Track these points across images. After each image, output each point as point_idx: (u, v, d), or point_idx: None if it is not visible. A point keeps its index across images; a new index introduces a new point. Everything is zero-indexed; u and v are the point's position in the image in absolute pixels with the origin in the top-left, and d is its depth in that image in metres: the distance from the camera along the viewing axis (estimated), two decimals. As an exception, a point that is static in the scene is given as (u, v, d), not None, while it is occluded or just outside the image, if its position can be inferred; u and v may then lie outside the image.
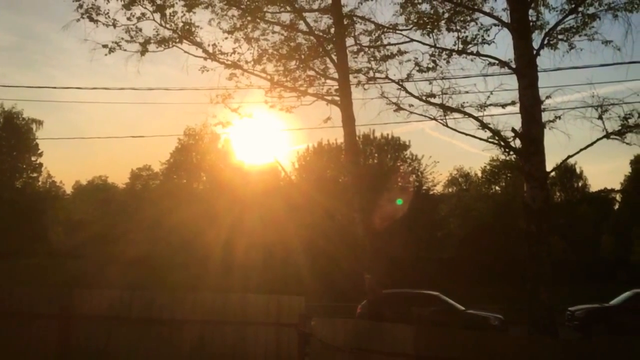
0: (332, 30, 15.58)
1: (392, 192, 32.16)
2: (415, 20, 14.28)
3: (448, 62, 14.14)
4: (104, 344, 8.97)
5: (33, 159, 46.09)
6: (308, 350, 8.39)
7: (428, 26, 13.95)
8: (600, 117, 11.80)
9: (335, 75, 15.52)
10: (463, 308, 19.47)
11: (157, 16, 14.96)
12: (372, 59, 15.58)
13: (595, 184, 70.12)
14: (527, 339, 7.84)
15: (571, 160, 41.10)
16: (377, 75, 15.32)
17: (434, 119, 13.26)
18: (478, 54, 13.45)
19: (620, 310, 18.94)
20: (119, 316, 9.02)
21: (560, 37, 12.98)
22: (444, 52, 14.06)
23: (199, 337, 8.79)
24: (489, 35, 13.40)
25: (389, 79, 14.81)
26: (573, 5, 12.46)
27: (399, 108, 13.91)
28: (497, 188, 49.46)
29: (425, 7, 14.22)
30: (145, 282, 24.36)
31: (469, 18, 13.65)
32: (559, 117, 12.26)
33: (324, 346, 8.01)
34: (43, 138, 47.85)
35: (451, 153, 72.64)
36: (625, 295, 19.70)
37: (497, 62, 12.89)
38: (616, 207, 49.92)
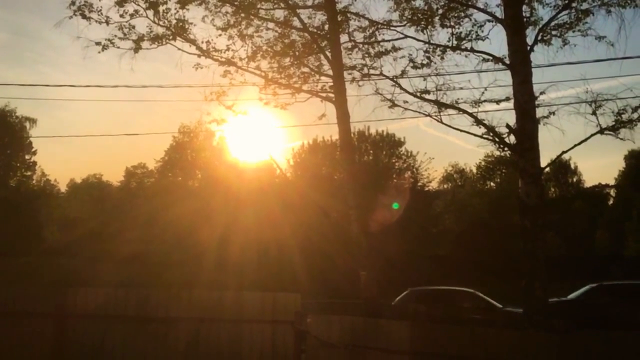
0: (326, 26, 15.57)
1: (387, 192, 32.15)
2: (409, 17, 14.27)
3: (442, 58, 14.12)
4: (99, 342, 8.96)
5: (27, 157, 45.91)
6: (304, 347, 8.40)
7: (422, 22, 13.93)
8: (594, 113, 11.81)
9: (330, 72, 15.52)
10: (500, 305, 18.55)
11: (150, 13, 14.92)
12: (366, 55, 15.59)
13: (590, 179, 70.39)
14: (522, 334, 7.86)
15: (566, 156, 41.26)
16: (372, 71, 15.32)
17: (429, 115, 13.24)
18: (472, 50, 13.44)
19: (577, 304, 18.86)
20: (114, 314, 9.02)
21: (554, 32, 12.98)
22: (438, 49, 14.04)
23: (194, 334, 8.80)
24: (482, 31, 13.38)
25: (384, 75, 14.81)
26: (566, 1, 12.46)
27: (393, 104, 13.89)
28: (492, 184, 49.56)
29: (419, 3, 14.22)
30: (140, 279, 24.34)
31: (462, 14, 13.63)
32: (553, 113, 12.26)
33: (319, 343, 8.01)
34: (37, 136, 47.79)
35: (446, 149, 72.86)
36: (583, 289, 19.68)
37: (491, 58, 12.89)
38: (610, 202, 50.11)
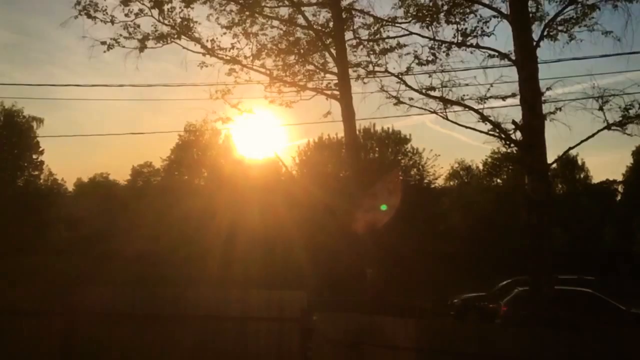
0: (331, 24, 15.57)
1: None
2: (414, 13, 14.23)
3: (447, 54, 14.09)
4: (107, 340, 9.00)
5: (34, 156, 46.02)
6: (310, 345, 8.41)
7: (427, 19, 13.88)
8: (601, 108, 11.74)
9: (335, 70, 15.52)
10: (624, 307, 16.20)
11: (155, 12, 14.99)
12: (371, 52, 15.56)
13: (598, 175, 69.74)
14: (528, 331, 7.82)
15: (573, 152, 40.85)
16: (377, 68, 15.29)
17: (434, 112, 13.21)
18: (477, 46, 13.39)
19: (491, 298, 19.42)
20: (121, 312, 9.05)
21: (560, 28, 12.91)
22: (444, 45, 14.01)
23: (200, 332, 8.82)
24: (488, 27, 13.35)
25: (389, 72, 14.76)
26: (572, -4, 12.40)
27: (398, 102, 13.83)
28: (498, 181, 49.32)
29: (424, -1, 14.17)
30: (147, 278, 24.41)
31: (468, 10, 13.58)
32: (560, 109, 12.20)
33: (325, 341, 8.02)
34: (44, 136, 47.81)
35: (452, 146, 72.34)
36: (500, 285, 20.36)
37: (496, 54, 12.84)
38: (618, 198, 49.77)
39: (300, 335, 8.39)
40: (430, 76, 13.85)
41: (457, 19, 13.64)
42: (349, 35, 15.57)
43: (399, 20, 14.78)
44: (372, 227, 14.39)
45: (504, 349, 6.76)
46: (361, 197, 14.42)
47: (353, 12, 15.63)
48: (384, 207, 14.04)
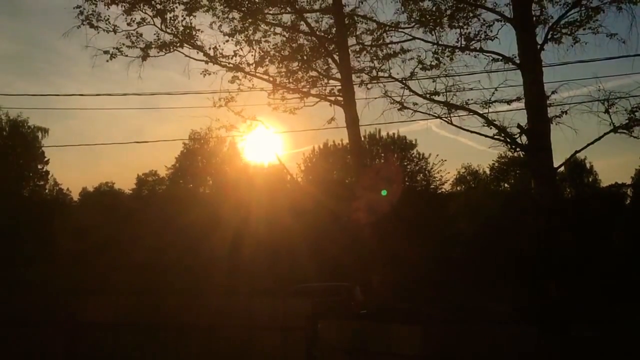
0: (334, 30, 15.54)
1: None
2: (417, 18, 14.17)
3: (451, 59, 13.99)
4: (111, 351, 8.95)
5: (39, 167, 46.16)
6: (315, 353, 8.31)
7: (430, 23, 13.82)
8: (607, 111, 11.63)
9: (338, 76, 15.47)
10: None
11: (158, 21, 15.00)
12: (374, 58, 15.51)
13: (606, 178, 68.86)
14: (535, 337, 7.69)
15: (581, 156, 40.76)
16: (380, 74, 15.20)
17: (439, 117, 13.09)
18: (481, 50, 13.31)
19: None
20: (126, 322, 9.01)
21: (564, 31, 12.81)
22: (447, 49, 13.91)
23: (205, 341, 8.75)
24: (492, 31, 13.27)
25: (392, 77, 14.68)
26: (576, -2, 12.31)
27: (403, 107, 13.75)
28: (506, 185, 49.03)
29: (427, 4, 14.12)
30: (152, 287, 24.31)
31: (471, 14, 13.50)
32: (566, 112, 12.07)
33: (331, 348, 7.92)
34: (49, 146, 47.99)
35: (459, 150, 71.78)
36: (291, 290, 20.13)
37: (501, 58, 12.75)
38: (627, 202, 49.30)
39: (306, 343, 8.30)
40: (434, 81, 13.75)
41: (461, 23, 13.58)
42: (352, 41, 15.54)
43: (402, 26, 14.75)
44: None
45: (512, 355, 6.65)
46: (367, 203, 14.31)
47: (356, 18, 15.60)
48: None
